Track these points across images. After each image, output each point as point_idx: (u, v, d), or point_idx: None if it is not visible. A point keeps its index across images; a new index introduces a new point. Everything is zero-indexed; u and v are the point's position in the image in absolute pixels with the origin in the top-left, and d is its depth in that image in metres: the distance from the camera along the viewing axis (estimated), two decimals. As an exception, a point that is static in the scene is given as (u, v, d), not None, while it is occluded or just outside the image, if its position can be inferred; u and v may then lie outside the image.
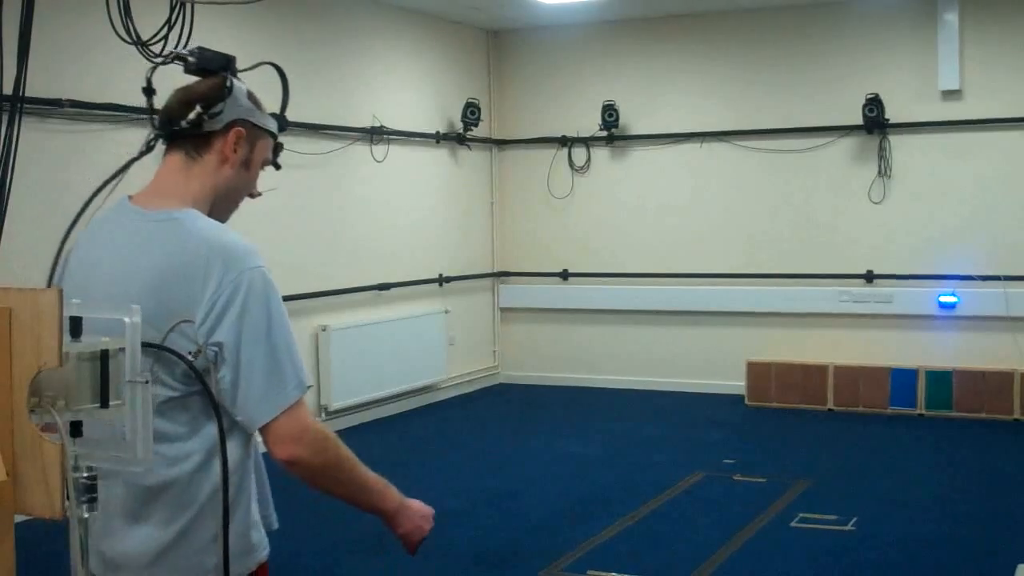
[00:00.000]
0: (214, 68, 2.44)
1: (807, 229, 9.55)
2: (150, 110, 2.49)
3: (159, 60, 2.65)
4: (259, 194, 2.60)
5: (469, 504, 6.53)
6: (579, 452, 7.83)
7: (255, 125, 2.44)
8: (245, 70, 2.49)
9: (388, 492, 2.54)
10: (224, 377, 2.22)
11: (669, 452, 7.78)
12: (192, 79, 2.46)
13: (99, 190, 2.49)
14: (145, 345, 2.03)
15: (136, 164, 2.58)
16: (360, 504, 2.50)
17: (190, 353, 2.19)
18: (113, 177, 2.48)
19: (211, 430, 2.25)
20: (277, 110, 2.59)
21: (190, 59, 2.44)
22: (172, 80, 2.47)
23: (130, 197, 2.40)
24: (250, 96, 2.45)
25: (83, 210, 2.40)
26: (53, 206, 6.19)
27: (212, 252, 2.24)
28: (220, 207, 2.45)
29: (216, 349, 2.20)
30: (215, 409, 2.20)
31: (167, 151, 2.40)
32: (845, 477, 7.02)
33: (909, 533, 5.83)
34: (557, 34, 10.34)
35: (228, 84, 2.40)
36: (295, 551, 5.62)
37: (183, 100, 2.39)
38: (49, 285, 2.41)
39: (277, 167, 2.61)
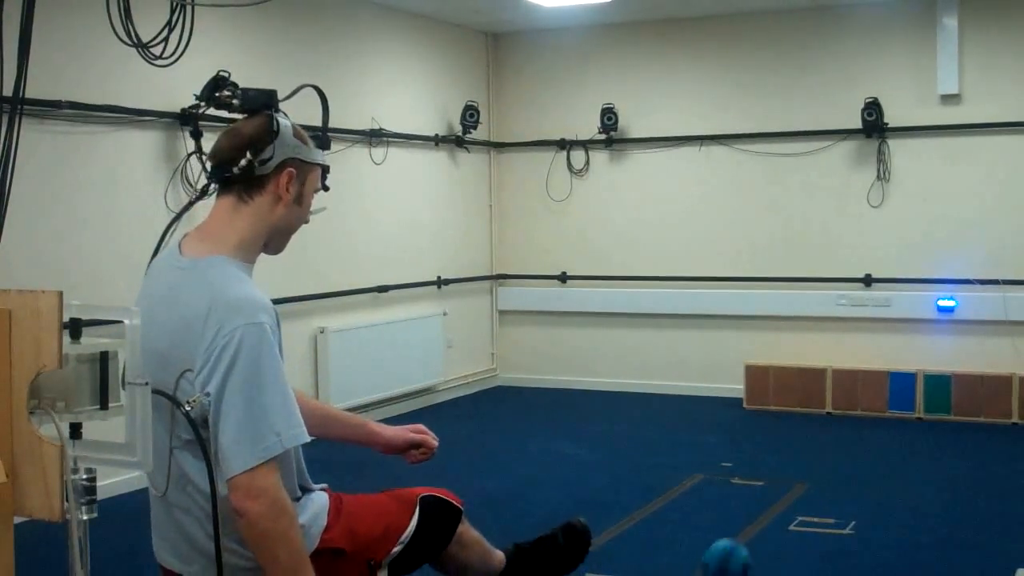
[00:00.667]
0: (258, 107, 2.51)
1: (806, 233, 9.55)
2: (200, 152, 2.64)
3: (202, 104, 2.80)
4: (309, 220, 2.69)
5: (467, 506, 6.50)
6: (577, 455, 7.82)
7: (303, 161, 2.52)
8: (286, 99, 2.54)
9: None
10: (211, 426, 2.31)
11: (667, 455, 7.78)
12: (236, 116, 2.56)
13: (166, 232, 2.63)
14: (154, 391, 2.12)
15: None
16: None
17: (188, 402, 2.28)
18: (174, 221, 2.59)
19: None
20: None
21: (234, 102, 2.54)
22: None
23: (183, 238, 2.51)
24: (296, 132, 2.52)
25: (158, 247, 2.52)
26: (52, 208, 6.18)
27: (215, 304, 2.32)
28: (276, 241, 2.56)
29: (209, 399, 2.29)
30: (204, 453, 2.27)
31: (219, 194, 2.49)
32: (843, 480, 7.02)
33: (908, 537, 5.83)
34: (556, 37, 10.34)
35: (275, 127, 2.47)
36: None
37: (233, 145, 2.48)
38: None
39: (326, 189, 2.72)
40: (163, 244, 2.58)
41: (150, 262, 2.55)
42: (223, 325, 2.31)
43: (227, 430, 2.28)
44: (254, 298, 2.39)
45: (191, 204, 2.69)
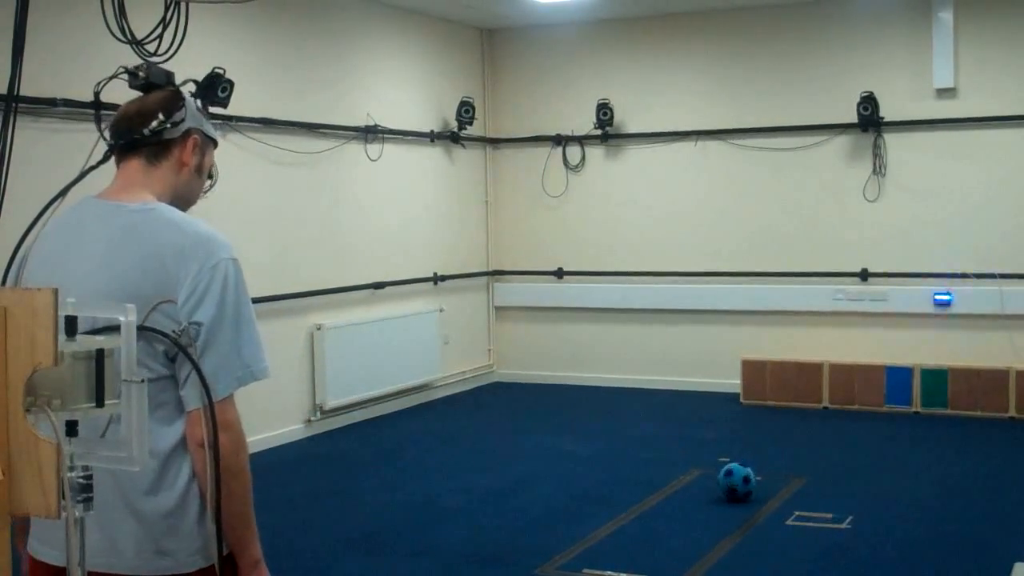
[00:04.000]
0: (160, 83, 2.61)
1: (802, 227, 9.56)
2: (99, 121, 2.69)
3: (107, 78, 2.84)
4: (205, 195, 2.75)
5: (464, 502, 6.53)
6: (574, 450, 7.83)
7: (205, 134, 2.61)
8: (179, 87, 2.67)
9: (257, 542, 2.50)
10: (195, 353, 2.35)
11: (664, 450, 7.78)
12: (135, 94, 2.61)
13: (59, 195, 2.61)
14: (141, 328, 2.18)
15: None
16: (233, 532, 2.43)
17: (173, 331, 2.32)
18: (72, 184, 2.59)
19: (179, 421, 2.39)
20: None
21: (140, 74, 2.61)
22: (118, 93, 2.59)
23: (97, 195, 2.55)
24: (199, 107, 2.64)
25: (40, 216, 2.51)
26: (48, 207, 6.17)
27: (193, 239, 2.39)
28: (177, 208, 2.58)
29: (197, 328, 2.34)
30: (203, 382, 2.31)
31: (124, 158, 2.54)
32: (840, 475, 7.03)
33: (905, 531, 5.84)
34: (551, 32, 10.33)
35: (183, 96, 2.58)
36: (292, 550, 5.62)
37: (141, 111, 2.55)
38: (3, 283, 2.53)
39: (215, 174, 2.80)
40: (46, 211, 2.59)
41: (29, 228, 2.54)
42: (208, 257, 2.38)
43: (210, 359, 2.34)
44: (222, 236, 2.47)
45: (90, 169, 2.70)
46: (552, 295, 10.46)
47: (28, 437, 1.86)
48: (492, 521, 6.17)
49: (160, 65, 2.71)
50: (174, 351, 2.34)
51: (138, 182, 2.51)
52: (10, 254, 2.55)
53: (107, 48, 5.91)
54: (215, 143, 2.68)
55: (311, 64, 8.41)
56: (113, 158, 2.58)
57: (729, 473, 6.36)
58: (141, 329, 2.24)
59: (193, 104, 2.60)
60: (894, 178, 9.23)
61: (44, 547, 2.44)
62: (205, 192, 2.72)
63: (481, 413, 9.42)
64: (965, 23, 8.93)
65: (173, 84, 2.64)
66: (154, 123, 2.51)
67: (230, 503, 2.39)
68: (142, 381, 1.98)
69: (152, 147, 2.52)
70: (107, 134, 2.60)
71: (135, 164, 2.53)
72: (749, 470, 6.39)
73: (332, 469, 7.46)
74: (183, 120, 2.54)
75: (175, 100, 2.57)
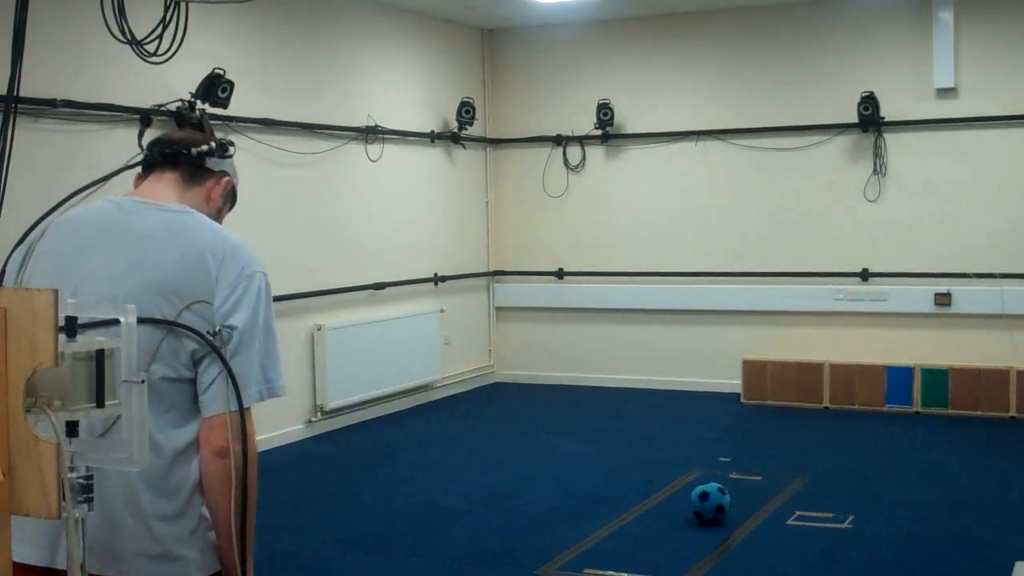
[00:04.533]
0: (206, 129, 2.76)
1: (802, 227, 9.56)
2: (142, 131, 2.73)
3: (170, 101, 2.98)
4: None
5: (465, 503, 6.52)
6: (575, 451, 7.82)
7: (234, 187, 2.69)
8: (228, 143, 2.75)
9: (252, 559, 2.47)
10: (227, 356, 2.36)
11: (665, 450, 7.78)
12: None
13: (86, 188, 2.62)
14: (166, 323, 2.28)
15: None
16: (235, 542, 2.36)
17: (208, 332, 2.33)
18: (104, 179, 2.60)
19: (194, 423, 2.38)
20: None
21: (193, 118, 2.80)
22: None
23: (129, 195, 2.56)
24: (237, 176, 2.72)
25: (55, 208, 2.51)
26: (47, 207, 6.17)
27: (233, 247, 2.43)
28: None
29: (230, 331, 2.36)
30: (233, 382, 2.32)
31: (161, 167, 2.57)
32: (841, 475, 7.02)
33: (906, 530, 5.84)
34: (552, 33, 10.33)
35: (231, 151, 2.67)
36: (293, 550, 5.61)
37: (191, 136, 2.64)
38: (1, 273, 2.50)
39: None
40: (66, 201, 2.60)
41: (43, 217, 2.54)
42: (246, 266, 2.41)
43: (240, 364, 2.36)
44: (254, 250, 2.52)
45: (126, 167, 2.73)
46: (553, 296, 10.46)
47: (28, 438, 1.86)
48: (493, 521, 6.17)
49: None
50: (201, 353, 2.34)
51: (170, 191, 2.54)
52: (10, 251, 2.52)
53: (107, 49, 5.92)
54: (234, 203, 2.74)
55: (311, 65, 8.41)
56: (140, 169, 2.61)
57: (704, 497, 5.94)
58: (176, 325, 2.30)
59: (234, 166, 2.68)
60: (895, 178, 9.23)
61: (18, 546, 2.26)
62: None
63: (482, 414, 9.41)
64: (965, 23, 8.93)
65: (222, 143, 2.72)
66: (204, 147, 2.57)
67: (237, 513, 2.35)
68: (142, 381, 1.98)
69: (191, 168, 2.57)
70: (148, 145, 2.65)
71: (170, 176, 2.56)
72: (727, 499, 5.94)
73: (333, 470, 7.46)
74: (228, 156, 2.63)
75: (225, 145, 2.65)
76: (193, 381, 2.35)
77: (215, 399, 2.33)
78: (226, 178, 2.63)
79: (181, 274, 2.35)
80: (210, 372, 2.33)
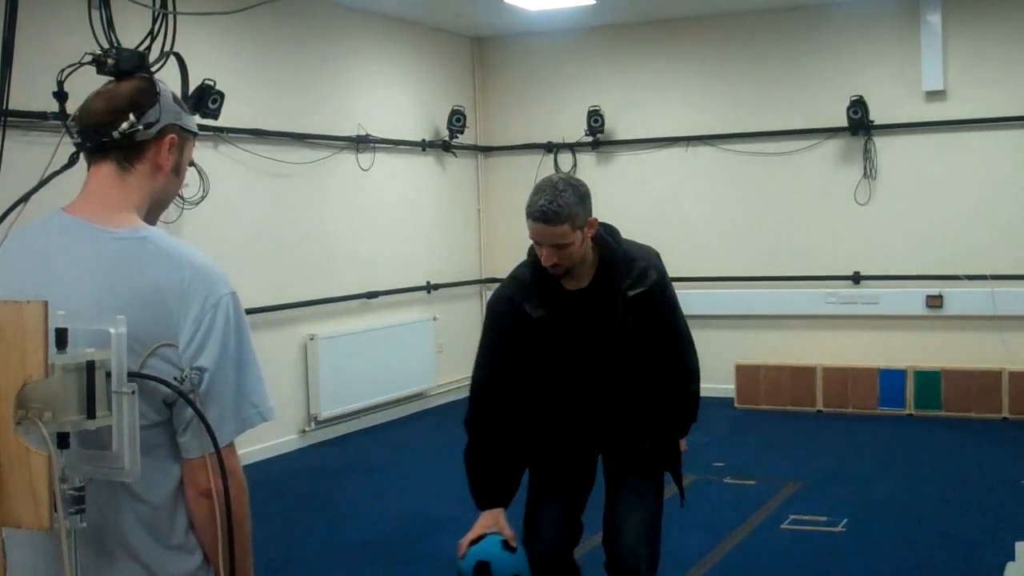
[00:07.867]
0: (132, 69, 2.32)
1: (793, 231, 9.57)
2: (63, 116, 2.39)
3: (70, 65, 2.54)
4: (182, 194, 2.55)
5: (460, 511, 6.48)
6: (569, 457, 7.81)
7: (183, 128, 2.33)
8: (153, 65, 2.39)
9: None
10: (198, 399, 2.17)
11: (659, 456, 7.77)
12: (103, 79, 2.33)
13: (17, 204, 2.34)
14: (131, 375, 2.01)
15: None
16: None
17: (175, 379, 2.11)
18: (33, 191, 2.38)
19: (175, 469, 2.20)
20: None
21: (108, 60, 2.32)
22: (88, 82, 2.36)
23: (64, 210, 2.29)
24: (174, 98, 2.34)
25: None
26: (34, 221, 6.15)
27: (192, 273, 2.17)
28: (152, 213, 2.34)
29: (199, 373, 2.15)
30: (209, 431, 2.13)
31: (94, 160, 2.29)
32: (835, 478, 7.03)
33: (900, 533, 5.84)
34: (541, 40, 10.34)
35: (157, 89, 2.30)
36: (287, 559, 5.61)
37: (111, 107, 2.27)
38: None
39: (193, 165, 2.49)
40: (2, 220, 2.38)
41: None
42: (209, 294, 2.17)
43: (214, 405, 2.17)
44: (220, 268, 2.24)
45: (53, 175, 2.46)
46: (545, 302, 10.43)
47: (19, 450, 1.85)
48: (488, 529, 6.15)
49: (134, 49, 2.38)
50: (173, 398, 2.14)
51: (113, 194, 2.26)
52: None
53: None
54: (195, 135, 2.40)
55: (302, 74, 8.41)
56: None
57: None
58: (141, 377, 2.06)
59: (169, 95, 2.31)
60: (885, 181, 9.25)
61: None
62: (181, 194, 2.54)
63: (476, 421, 9.39)
64: (953, 26, 8.96)
65: (147, 69, 2.35)
66: (124, 125, 2.23)
67: (232, 547, 2.22)
68: (132, 392, 1.98)
69: (124, 150, 2.25)
70: (74, 131, 2.33)
71: (106, 170, 2.26)
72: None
73: (327, 479, 7.45)
74: (157, 120, 2.26)
75: (148, 94, 2.27)
76: (170, 421, 2.18)
77: (191, 441, 2.17)
78: (169, 135, 2.28)
79: (139, 317, 2.09)
80: (185, 415, 2.16)
